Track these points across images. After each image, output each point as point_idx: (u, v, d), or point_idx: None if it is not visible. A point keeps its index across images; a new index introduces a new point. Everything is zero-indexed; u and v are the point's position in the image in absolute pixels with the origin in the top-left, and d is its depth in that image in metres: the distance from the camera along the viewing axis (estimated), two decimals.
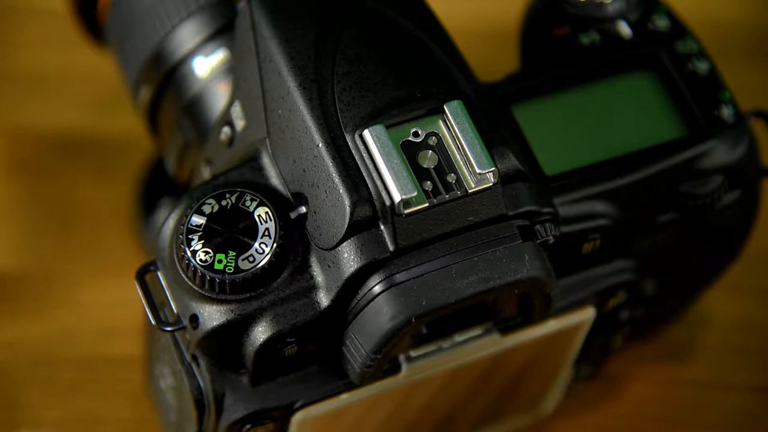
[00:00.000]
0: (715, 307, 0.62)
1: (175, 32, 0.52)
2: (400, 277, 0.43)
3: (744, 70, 0.55)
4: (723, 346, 0.62)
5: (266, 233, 0.44)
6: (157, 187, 0.61)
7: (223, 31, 0.51)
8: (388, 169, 0.43)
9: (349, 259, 0.43)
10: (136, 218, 0.62)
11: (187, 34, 0.52)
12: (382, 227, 0.43)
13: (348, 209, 0.43)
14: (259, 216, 0.44)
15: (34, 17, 0.69)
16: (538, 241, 0.45)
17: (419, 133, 0.44)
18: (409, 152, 0.43)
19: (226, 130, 0.48)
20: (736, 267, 0.55)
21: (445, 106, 0.44)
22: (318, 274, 0.44)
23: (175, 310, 0.45)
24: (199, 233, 0.44)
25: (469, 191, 0.43)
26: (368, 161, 0.43)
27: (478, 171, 0.43)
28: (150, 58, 0.53)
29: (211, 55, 0.52)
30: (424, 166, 0.43)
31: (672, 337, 0.61)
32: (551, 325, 0.49)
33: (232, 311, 0.44)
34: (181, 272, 0.44)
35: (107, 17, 0.56)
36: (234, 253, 0.44)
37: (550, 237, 0.45)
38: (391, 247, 0.43)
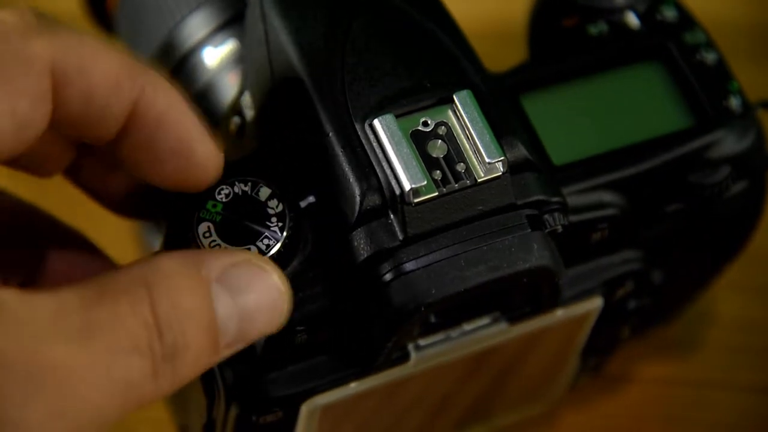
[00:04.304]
0: (716, 305, 0.62)
1: (184, 22, 0.52)
2: (409, 265, 0.43)
3: (748, 69, 0.55)
4: (723, 345, 0.62)
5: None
6: None
7: (232, 22, 0.51)
8: (398, 159, 0.43)
9: (359, 247, 0.43)
10: None
11: (197, 24, 0.52)
12: (391, 216, 0.43)
13: (358, 198, 0.43)
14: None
15: None
16: (547, 230, 0.44)
17: (428, 122, 0.44)
18: (419, 142, 0.43)
19: (235, 120, 0.48)
20: (737, 265, 0.55)
21: (454, 96, 0.44)
22: (328, 263, 0.44)
23: None
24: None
25: (478, 180, 0.43)
26: (378, 151, 0.43)
27: (487, 160, 0.43)
28: (160, 48, 0.53)
29: (221, 46, 0.52)
30: (434, 155, 0.43)
31: (672, 336, 0.61)
32: (559, 315, 0.49)
33: None
34: None
35: (117, 7, 0.56)
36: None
37: (559, 226, 0.45)
38: (400, 236, 0.43)
